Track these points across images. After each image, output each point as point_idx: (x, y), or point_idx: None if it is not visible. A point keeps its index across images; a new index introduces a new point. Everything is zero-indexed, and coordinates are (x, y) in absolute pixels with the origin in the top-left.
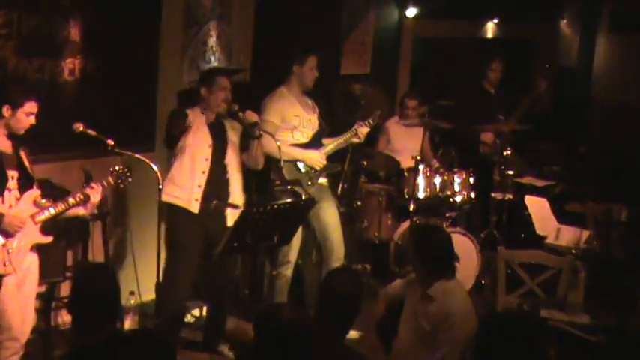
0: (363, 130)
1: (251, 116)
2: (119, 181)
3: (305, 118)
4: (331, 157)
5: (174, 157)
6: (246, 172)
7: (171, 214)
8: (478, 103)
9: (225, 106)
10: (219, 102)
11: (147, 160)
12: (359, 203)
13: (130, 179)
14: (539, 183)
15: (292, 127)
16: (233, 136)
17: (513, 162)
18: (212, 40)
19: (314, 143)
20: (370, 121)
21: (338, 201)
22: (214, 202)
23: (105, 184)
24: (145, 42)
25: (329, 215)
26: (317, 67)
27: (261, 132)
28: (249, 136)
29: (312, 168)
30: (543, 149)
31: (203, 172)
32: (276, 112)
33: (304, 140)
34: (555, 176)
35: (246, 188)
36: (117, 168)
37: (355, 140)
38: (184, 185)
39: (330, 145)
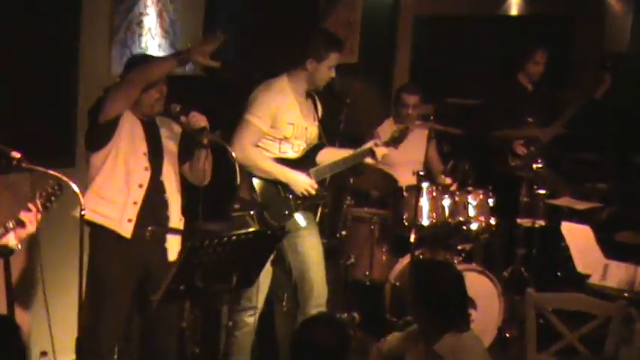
0: (381, 152)
1: (198, 120)
2: (48, 203)
3: (301, 126)
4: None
5: (98, 161)
6: (194, 191)
7: (95, 238)
8: (511, 103)
9: (159, 107)
10: (153, 102)
11: (64, 178)
12: (344, 233)
13: (59, 193)
14: (581, 205)
15: (282, 137)
16: (170, 143)
17: (546, 178)
18: (150, 20)
19: (306, 160)
20: (391, 140)
21: None
22: (150, 227)
23: (39, 207)
24: (61, 22)
25: (310, 247)
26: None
27: (210, 139)
28: (196, 144)
29: (294, 194)
30: (586, 161)
31: (140, 186)
32: (268, 112)
33: (294, 155)
34: (601, 196)
35: (191, 211)
36: (48, 188)
37: (369, 161)
38: (115, 200)
39: (328, 163)
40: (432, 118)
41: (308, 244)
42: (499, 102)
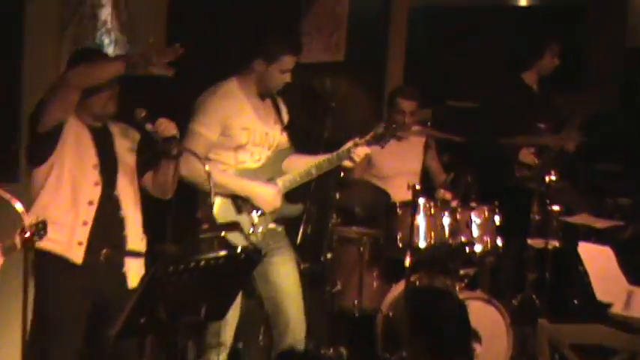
0: (361, 152)
1: (165, 128)
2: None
3: (259, 132)
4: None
5: (40, 177)
6: (155, 207)
7: (41, 265)
8: (514, 105)
9: (111, 108)
10: (102, 104)
11: (6, 195)
12: (329, 256)
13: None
14: (600, 223)
15: (236, 146)
16: (125, 153)
17: (560, 192)
18: (105, 12)
19: (270, 169)
20: (374, 137)
21: (297, 253)
22: (104, 250)
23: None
24: (3, 14)
25: (283, 274)
26: (292, 70)
27: (180, 149)
28: (163, 153)
29: (258, 209)
30: (605, 172)
31: (90, 203)
32: (215, 119)
33: (254, 165)
34: (624, 213)
35: (155, 232)
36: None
37: (347, 164)
38: (61, 220)
39: (298, 171)
40: (429, 124)
41: (282, 271)
42: (504, 105)
